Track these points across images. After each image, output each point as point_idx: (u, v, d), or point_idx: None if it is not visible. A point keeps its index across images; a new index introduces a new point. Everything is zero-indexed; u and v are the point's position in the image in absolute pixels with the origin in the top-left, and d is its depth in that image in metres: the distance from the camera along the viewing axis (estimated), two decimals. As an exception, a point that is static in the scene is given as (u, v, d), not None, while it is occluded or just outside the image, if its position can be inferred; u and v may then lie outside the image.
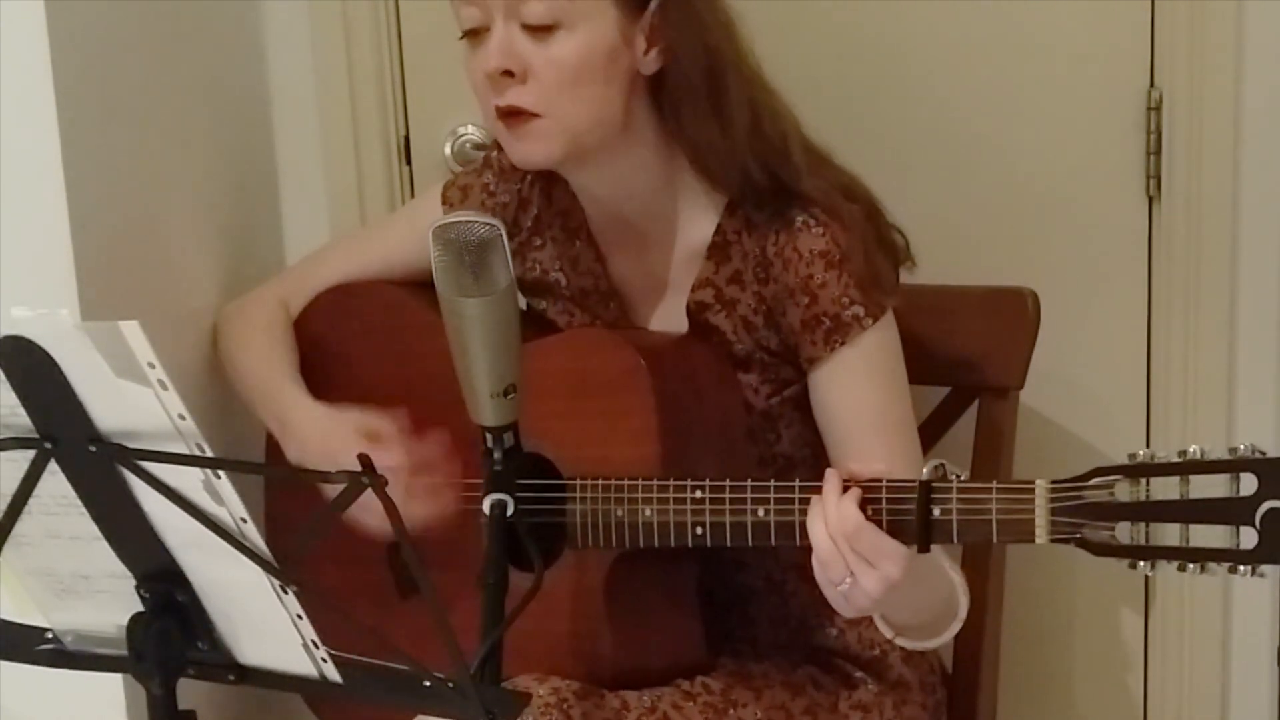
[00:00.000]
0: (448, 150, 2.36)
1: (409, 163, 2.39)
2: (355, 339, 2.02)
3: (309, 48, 2.35)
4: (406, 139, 2.38)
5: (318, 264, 2.11)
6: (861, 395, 1.82)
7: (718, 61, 1.80)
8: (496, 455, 1.62)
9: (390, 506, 1.37)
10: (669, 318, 1.92)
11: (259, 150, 2.36)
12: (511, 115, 1.78)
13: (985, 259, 2.25)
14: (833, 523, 1.59)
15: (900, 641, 1.78)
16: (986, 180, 2.28)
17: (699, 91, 1.80)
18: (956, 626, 1.77)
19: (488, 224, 1.55)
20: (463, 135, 2.35)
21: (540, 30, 1.75)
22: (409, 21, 2.34)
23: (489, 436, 1.61)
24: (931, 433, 2.10)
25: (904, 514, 1.59)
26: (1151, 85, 2.22)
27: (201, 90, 2.19)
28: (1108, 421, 2.31)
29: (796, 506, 1.67)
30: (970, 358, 2.06)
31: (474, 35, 1.79)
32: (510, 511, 1.61)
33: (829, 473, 1.62)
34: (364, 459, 1.36)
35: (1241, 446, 1.46)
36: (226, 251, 2.22)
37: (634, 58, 1.79)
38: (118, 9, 1.96)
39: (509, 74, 1.76)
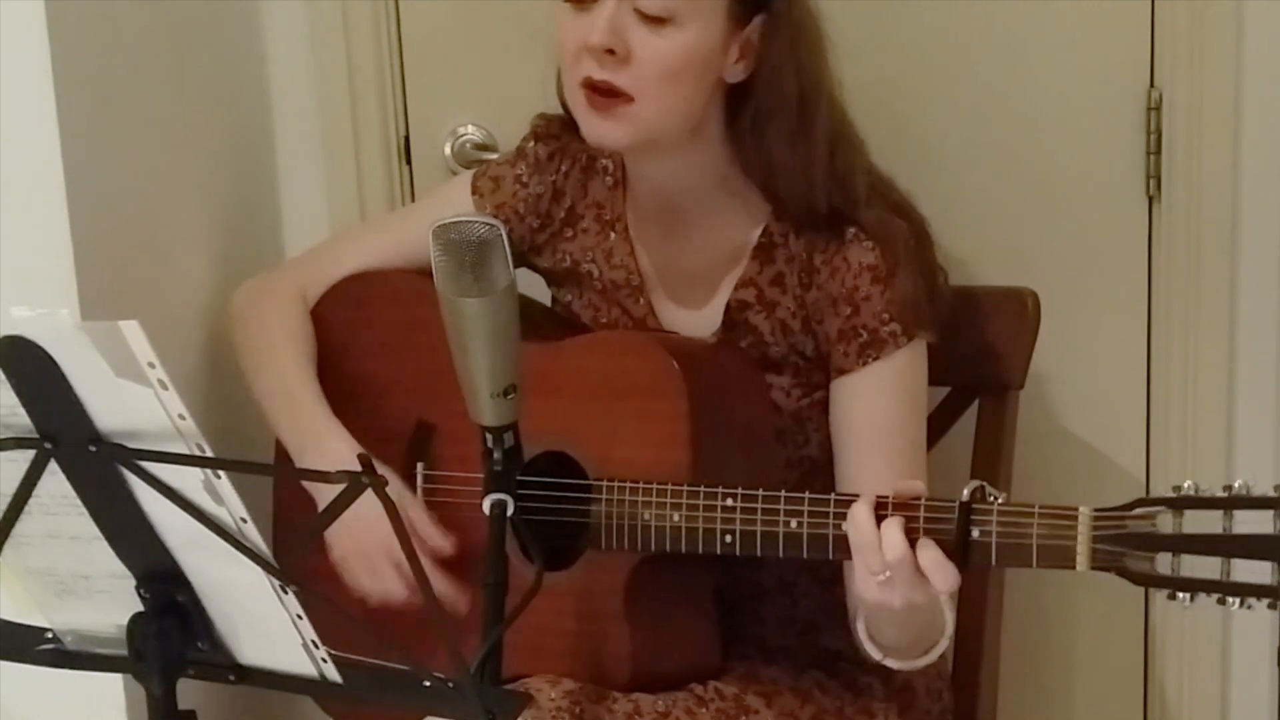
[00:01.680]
0: (448, 150, 2.36)
1: (409, 163, 2.39)
2: (371, 328, 2.00)
3: (309, 48, 2.35)
4: (406, 139, 2.38)
5: (338, 251, 2.08)
6: (881, 411, 1.83)
7: (812, 88, 1.81)
8: (496, 455, 1.62)
9: (390, 508, 1.37)
10: (699, 315, 1.91)
11: (259, 150, 2.36)
12: (602, 93, 1.78)
13: (985, 259, 2.25)
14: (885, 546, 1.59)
15: (888, 662, 1.77)
16: (986, 180, 2.28)
17: (790, 113, 1.80)
18: (944, 644, 1.75)
19: (488, 224, 1.55)
20: (463, 135, 2.35)
21: (653, 20, 1.75)
22: (409, 21, 2.34)
23: (489, 436, 1.61)
24: (931, 433, 2.08)
25: (942, 534, 1.59)
26: (1151, 85, 2.22)
27: (201, 90, 2.19)
28: (1108, 421, 2.31)
29: (831, 520, 1.66)
30: (970, 358, 2.06)
31: (580, 2, 1.78)
32: (510, 511, 1.61)
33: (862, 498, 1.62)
34: (364, 459, 1.36)
35: None
36: (226, 251, 2.22)
37: (725, 64, 1.80)
38: (118, 9, 1.96)
39: (610, 52, 1.76)
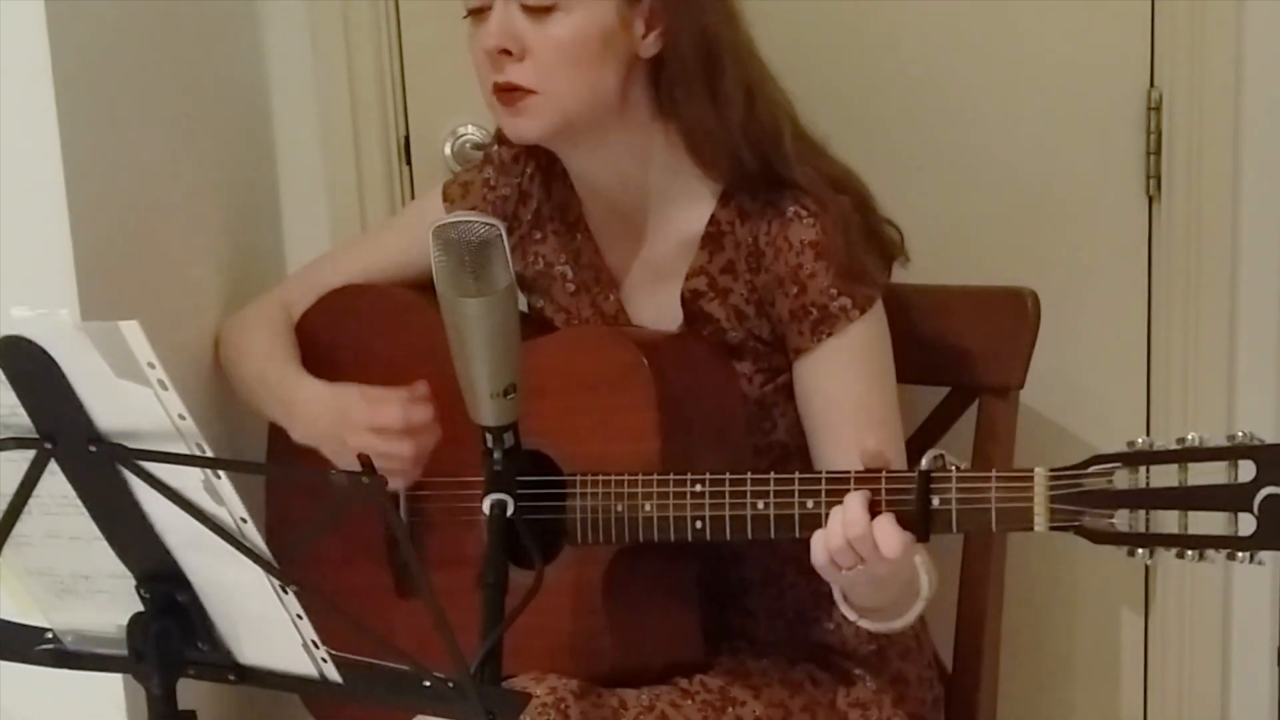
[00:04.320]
0: (448, 150, 2.36)
1: (409, 163, 2.39)
2: (357, 341, 2.02)
3: (309, 48, 2.35)
4: (406, 139, 2.38)
5: (319, 269, 2.12)
6: (844, 387, 1.83)
7: (714, 45, 1.82)
8: (496, 455, 1.62)
9: (391, 508, 1.37)
10: (665, 307, 1.92)
11: (259, 150, 2.36)
12: (507, 91, 1.81)
13: (985, 259, 2.25)
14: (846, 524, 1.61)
15: (863, 624, 1.77)
16: (987, 180, 2.28)
17: (694, 74, 1.81)
18: (921, 606, 1.77)
19: (488, 224, 1.55)
20: (463, 135, 2.35)
21: (539, 11, 1.78)
22: (409, 21, 2.34)
23: (489, 436, 1.62)
24: (931, 433, 2.10)
25: (903, 504, 1.60)
26: (1151, 85, 2.22)
27: (201, 90, 2.19)
28: (1108, 421, 2.31)
29: (796, 499, 1.67)
30: (970, 358, 2.06)
31: (477, 14, 1.82)
32: (510, 511, 1.62)
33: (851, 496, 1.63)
34: (364, 459, 1.36)
35: (1240, 433, 1.47)
36: (227, 252, 2.22)
37: (633, 41, 1.81)
38: (118, 9, 1.96)
39: (507, 53, 1.79)
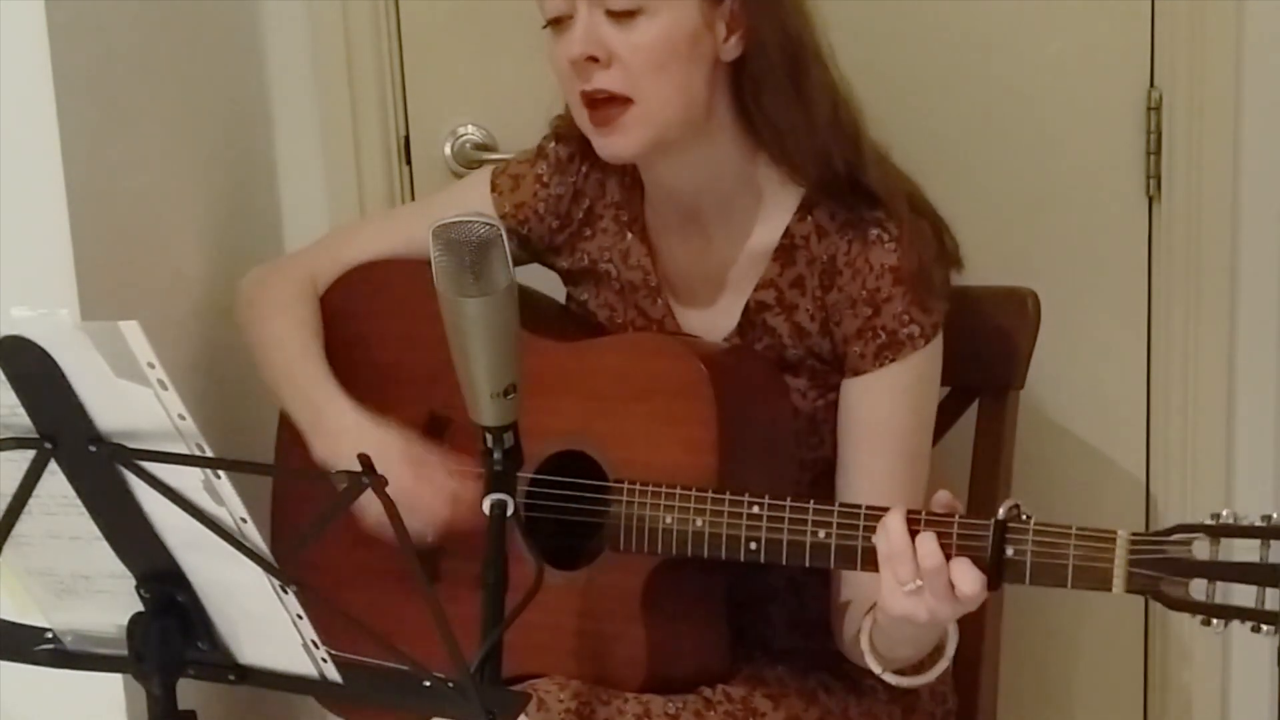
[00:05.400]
0: (448, 150, 2.36)
1: (409, 163, 2.39)
2: (379, 317, 1.99)
3: (309, 48, 2.35)
4: (406, 139, 2.38)
5: (349, 240, 2.08)
6: (889, 416, 1.82)
7: (799, 46, 1.81)
8: (496, 455, 1.62)
9: (391, 509, 1.37)
10: (718, 316, 1.91)
11: (259, 150, 2.36)
12: (600, 103, 1.78)
13: (985, 259, 2.25)
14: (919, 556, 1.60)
15: (886, 677, 1.76)
16: (987, 180, 2.28)
17: (781, 75, 1.80)
18: (943, 665, 1.75)
19: (488, 224, 1.55)
20: (463, 135, 2.35)
21: (623, 16, 1.76)
22: (409, 21, 2.34)
23: (489, 436, 1.61)
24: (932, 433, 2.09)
25: (975, 550, 1.59)
26: (1151, 85, 2.22)
27: (201, 90, 2.19)
28: (1108, 421, 2.31)
29: (860, 533, 1.66)
30: (970, 358, 2.06)
31: (558, 24, 1.79)
32: (510, 511, 1.61)
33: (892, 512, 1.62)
34: (364, 459, 1.36)
35: None
36: (227, 252, 2.22)
37: (716, 44, 1.79)
38: (118, 9, 1.96)
39: (594, 60, 1.77)
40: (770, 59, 1.80)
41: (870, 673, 1.89)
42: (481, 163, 2.29)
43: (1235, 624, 1.51)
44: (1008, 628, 2.14)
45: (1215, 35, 2.17)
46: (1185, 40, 2.18)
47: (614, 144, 1.80)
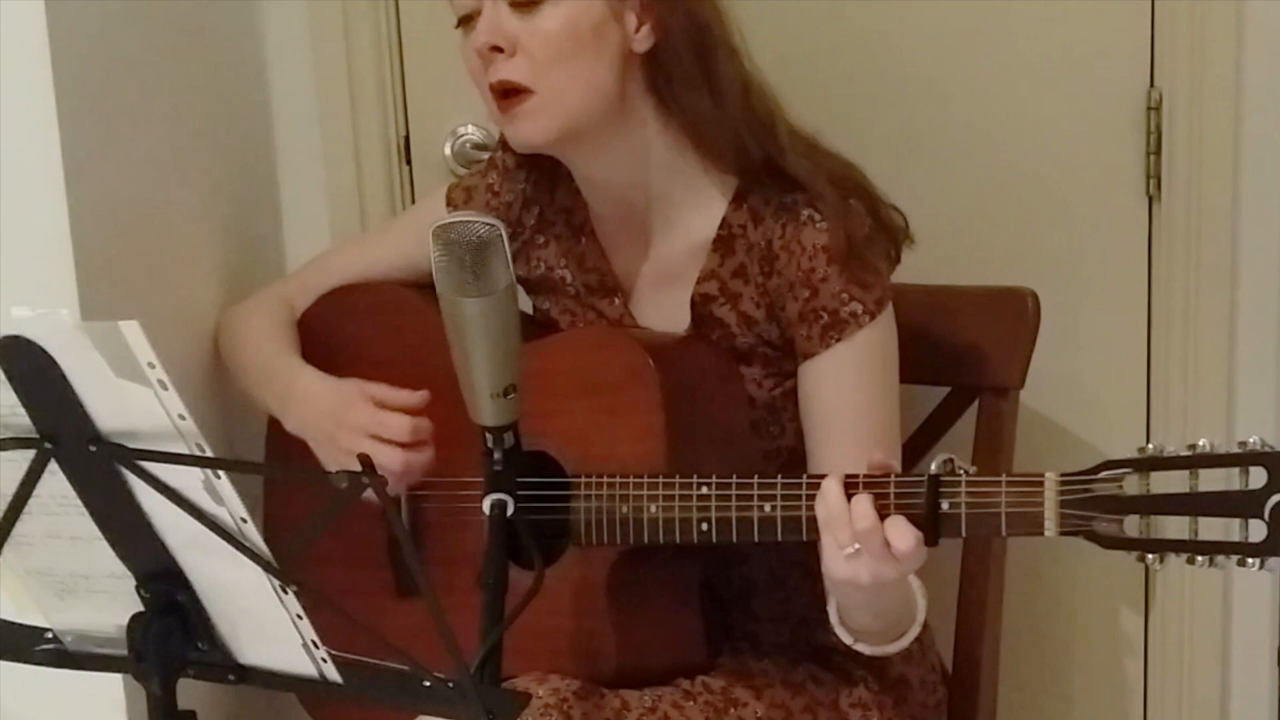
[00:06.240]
0: (448, 150, 2.36)
1: (409, 163, 2.39)
2: (358, 340, 2.02)
3: (309, 48, 2.35)
4: (406, 139, 2.38)
5: (321, 267, 2.12)
6: (846, 395, 1.82)
7: (707, 35, 1.82)
8: (496, 455, 1.62)
9: (391, 508, 1.37)
10: (673, 311, 1.92)
11: (259, 150, 2.36)
12: (505, 95, 1.80)
13: (985, 259, 2.25)
14: (854, 516, 1.60)
15: (859, 647, 1.76)
16: (986, 180, 2.28)
17: (690, 65, 1.81)
18: (915, 630, 1.76)
19: (488, 224, 1.55)
20: (463, 135, 2.36)
21: (526, 6, 1.78)
22: (409, 21, 2.34)
23: (489, 436, 1.62)
24: (931, 433, 2.10)
25: (912, 508, 1.59)
26: (1151, 85, 2.22)
27: (201, 90, 2.19)
28: (1108, 421, 2.31)
29: (804, 502, 1.66)
30: (970, 358, 2.06)
31: (467, 22, 1.82)
32: (510, 511, 1.62)
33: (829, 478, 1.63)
34: (364, 459, 1.36)
35: (1251, 440, 1.46)
36: (227, 251, 2.22)
37: (626, 35, 1.80)
38: (118, 9, 1.96)
39: (498, 50, 1.79)
40: (679, 49, 1.81)
41: (860, 664, 1.90)
42: (471, 167, 2.30)
43: (1175, 561, 1.50)
44: (1007, 627, 2.14)
45: (1215, 35, 2.17)
46: (1185, 40, 2.18)
47: (519, 131, 1.82)
